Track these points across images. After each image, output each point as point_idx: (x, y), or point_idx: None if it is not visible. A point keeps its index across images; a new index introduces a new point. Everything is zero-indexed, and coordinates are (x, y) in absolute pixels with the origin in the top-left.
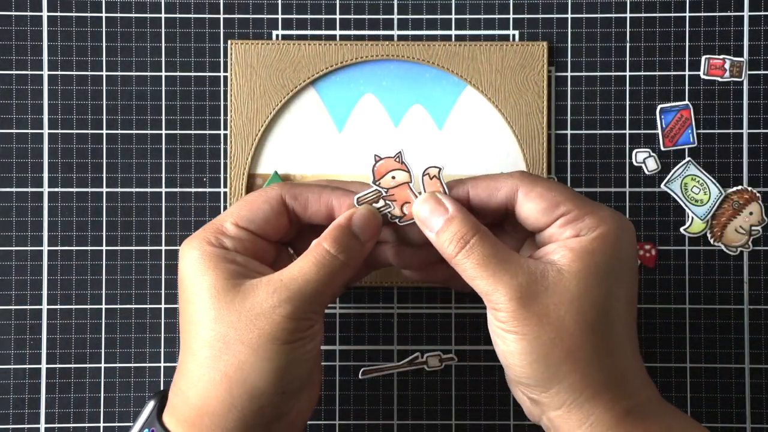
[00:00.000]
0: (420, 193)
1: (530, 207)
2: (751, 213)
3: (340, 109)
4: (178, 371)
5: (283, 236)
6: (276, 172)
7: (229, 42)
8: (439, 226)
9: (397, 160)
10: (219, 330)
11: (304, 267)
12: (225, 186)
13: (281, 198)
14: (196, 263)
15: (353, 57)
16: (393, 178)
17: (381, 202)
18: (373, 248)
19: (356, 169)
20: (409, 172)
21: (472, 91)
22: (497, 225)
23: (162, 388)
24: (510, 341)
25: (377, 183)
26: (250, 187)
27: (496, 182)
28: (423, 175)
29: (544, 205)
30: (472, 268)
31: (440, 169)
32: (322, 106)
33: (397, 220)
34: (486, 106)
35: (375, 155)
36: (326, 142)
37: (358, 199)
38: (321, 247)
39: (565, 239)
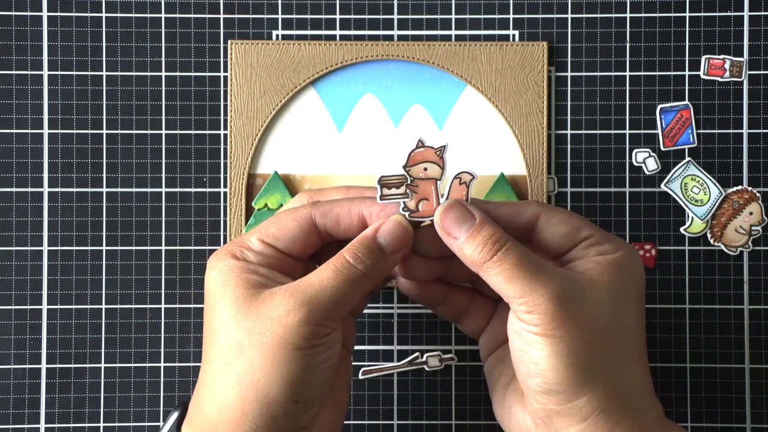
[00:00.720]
0: (442, 195)
1: (553, 232)
2: (751, 213)
3: (340, 109)
4: (198, 382)
5: (315, 252)
6: (276, 173)
7: (229, 42)
8: (468, 233)
9: (438, 153)
10: (235, 336)
11: (322, 274)
12: (225, 186)
13: (311, 218)
14: (219, 274)
15: (353, 57)
16: (425, 169)
17: (402, 189)
18: None
19: (356, 169)
20: (443, 169)
21: (472, 91)
22: None
23: (163, 389)
24: (544, 345)
25: (407, 169)
26: (250, 187)
27: (518, 207)
28: (454, 178)
29: (567, 230)
30: (507, 270)
31: (474, 178)
32: (322, 106)
33: (407, 213)
34: (486, 106)
35: (420, 140)
36: (326, 142)
37: (381, 178)
38: (342, 256)
39: (590, 257)
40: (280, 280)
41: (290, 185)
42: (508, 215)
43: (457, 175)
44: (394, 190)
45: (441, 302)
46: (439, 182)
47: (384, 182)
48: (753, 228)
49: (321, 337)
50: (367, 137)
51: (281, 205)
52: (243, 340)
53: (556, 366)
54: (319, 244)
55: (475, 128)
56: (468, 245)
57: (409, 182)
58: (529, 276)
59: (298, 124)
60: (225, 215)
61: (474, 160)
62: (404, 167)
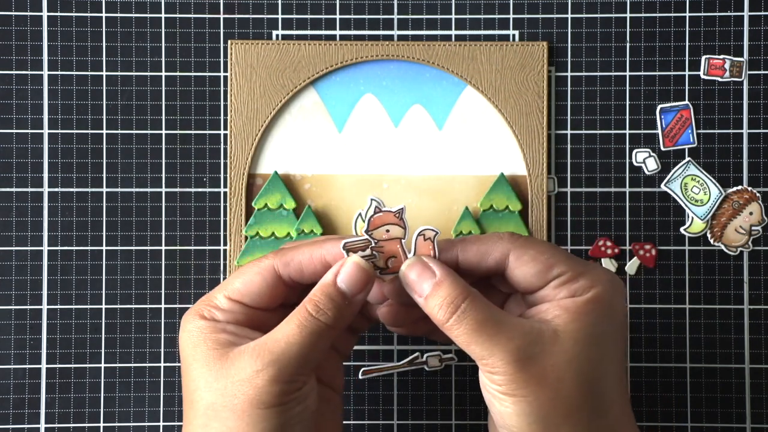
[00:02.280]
0: (409, 251)
1: (524, 270)
2: (751, 213)
3: (340, 109)
4: None
5: (286, 300)
6: (276, 173)
7: (229, 42)
8: (428, 291)
9: (397, 215)
10: (209, 398)
11: (287, 330)
12: (225, 186)
13: (273, 269)
14: (189, 336)
15: (353, 57)
16: (387, 231)
17: (368, 251)
18: (369, 307)
19: (356, 169)
20: (405, 229)
21: (472, 91)
22: (483, 280)
23: (163, 389)
24: (508, 403)
25: (370, 233)
26: (250, 187)
27: (486, 246)
28: (417, 235)
29: (539, 268)
30: (465, 333)
31: (437, 233)
32: (322, 106)
33: (378, 272)
34: (486, 106)
35: (376, 206)
36: (326, 142)
37: (345, 244)
38: (304, 308)
39: (560, 299)
40: (249, 336)
41: (290, 185)
42: (477, 256)
43: (420, 232)
44: (360, 254)
45: (433, 332)
46: (403, 240)
47: (349, 247)
48: (753, 228)
49: (292, 393)
50: (367, 137)
51: (281, 206)
52: (216, 401)
53: (520, 424)
54: (288, 292)
55: (475, 128)
56: (429, 304)
57: (373, 245)
58: (488, 339)
59: (298, 124)
60: (225, 215)
61: (474, 160)
62: (366, 232)
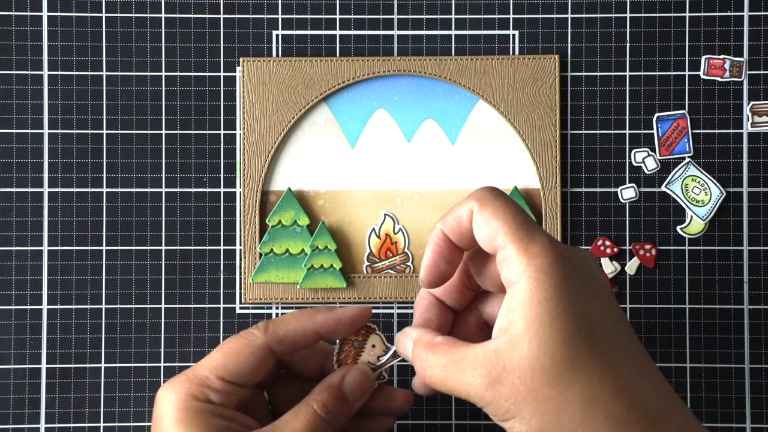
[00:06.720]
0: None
1: (478, 233)
2: (373, 345)
3: (353, 125)
4: None
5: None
6: (289, 189)
7: (241, 59)
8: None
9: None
10: None
11: (296, 427)
12: (225, 186)
13: (267, 347)
14: (181, 416)
15: (365, 73)
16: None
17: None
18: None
19: (369, 184)
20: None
21: (484, 105)
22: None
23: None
24: (510, 428)
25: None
26: (264, 204)
27: (459, 210)
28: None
29: (487, 233)
30: (439, 385)
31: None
32: (334, 122)
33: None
34: (498, 120)
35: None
36: (339, 158)
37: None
38: (312, 408)
39: (505, 297)
40: (246, 424)
41: (304, 201)
42: (452, 223)
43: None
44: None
45: None
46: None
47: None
48: (380, 358)
49: None
50: (380, 153)
51: (295, 222)
52: None
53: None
54: (269, 370)
55: (488, 142)
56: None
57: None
58: (458, 383)
59: (310, 141)
60: (225, 215)
61: (487, 174)
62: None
